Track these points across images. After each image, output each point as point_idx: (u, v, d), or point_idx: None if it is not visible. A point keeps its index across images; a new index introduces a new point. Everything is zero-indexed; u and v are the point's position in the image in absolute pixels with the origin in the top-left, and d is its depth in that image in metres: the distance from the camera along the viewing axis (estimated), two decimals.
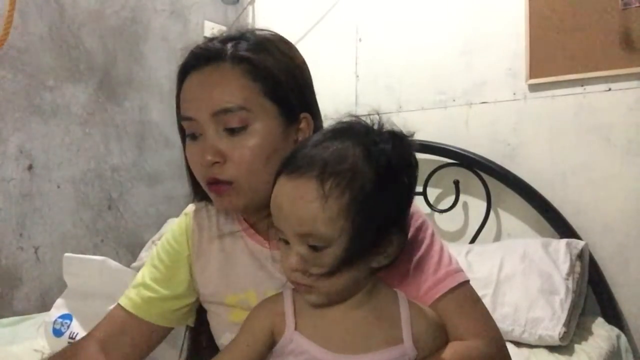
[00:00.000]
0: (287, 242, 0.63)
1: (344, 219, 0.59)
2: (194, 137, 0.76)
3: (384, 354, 0.64)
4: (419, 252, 0.75)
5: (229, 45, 0.76)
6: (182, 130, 0.80)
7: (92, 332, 0.86)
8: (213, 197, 0.78)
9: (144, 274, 0.87)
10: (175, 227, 0.89)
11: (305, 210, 0.60)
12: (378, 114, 0.67)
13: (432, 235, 0.77)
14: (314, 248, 0.61)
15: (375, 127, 0.66)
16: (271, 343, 0.67)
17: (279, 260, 0.67)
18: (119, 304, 0.87)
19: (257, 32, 0.80)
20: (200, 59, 0.76)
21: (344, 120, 0.68)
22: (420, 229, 0.77)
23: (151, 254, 0.91)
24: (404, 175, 0.64)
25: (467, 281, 0.74)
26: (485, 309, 0.74)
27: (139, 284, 0.87)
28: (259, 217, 0.80)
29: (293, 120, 0.77)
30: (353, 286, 0.65)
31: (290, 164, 0.64)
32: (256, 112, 0.73)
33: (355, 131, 0.65)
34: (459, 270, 0.74)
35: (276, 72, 0.75)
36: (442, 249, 0.76)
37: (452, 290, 0.72)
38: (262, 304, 0.70)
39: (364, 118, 0.68)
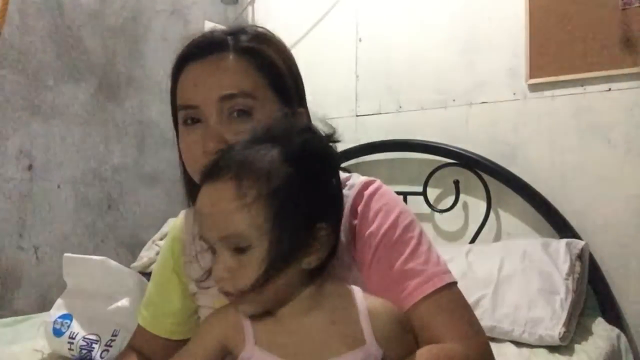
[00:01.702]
0: (214, 252, 0.62)
1: (263, 218, 0.59)
2: (193, 121, 0.75)
3: (347, 359, 0.61)
4: (405, 252, 0.73)
5: (230, 38, 0.77)
6: (177, 125, 0.80)
7: (130, 344, 0.90)
8: None
9: (150, 291, 0.90)
10: (165, 241, 0.92)
11: (224, 212, 0.60)
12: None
13: (420, 235, 0.75)
14: (239, 251, 0.60)
15: (294, 126, 0.65)
16: (223, 355, 0.66)
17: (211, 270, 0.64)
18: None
19: (255, 27, 0.81)
20: (204, 49, 0.76)
21: (266, 122, 0.67)
22: (407, 228, 0.75)
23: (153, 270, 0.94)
24: (322, 171, 0.64)
25: (455, 283, 0.73)
26: (472, 312, 0.72)
27: (145, 300, 0.90)
28: None
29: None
30: (287, 291, 0.63)
31: (210, 169, 0.63)
32: (262, 100, 0.74)
33: (274, 131, 0.64)
34: (446, 272, 0.73)
35: (279, 64, 0.77)
36: (429, 249, 0.74)
37: (437, 291, 0.70)
38: (215, 314, 0.68)
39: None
